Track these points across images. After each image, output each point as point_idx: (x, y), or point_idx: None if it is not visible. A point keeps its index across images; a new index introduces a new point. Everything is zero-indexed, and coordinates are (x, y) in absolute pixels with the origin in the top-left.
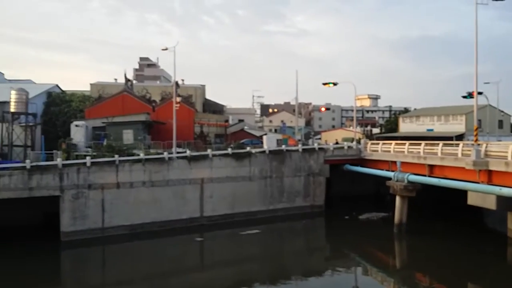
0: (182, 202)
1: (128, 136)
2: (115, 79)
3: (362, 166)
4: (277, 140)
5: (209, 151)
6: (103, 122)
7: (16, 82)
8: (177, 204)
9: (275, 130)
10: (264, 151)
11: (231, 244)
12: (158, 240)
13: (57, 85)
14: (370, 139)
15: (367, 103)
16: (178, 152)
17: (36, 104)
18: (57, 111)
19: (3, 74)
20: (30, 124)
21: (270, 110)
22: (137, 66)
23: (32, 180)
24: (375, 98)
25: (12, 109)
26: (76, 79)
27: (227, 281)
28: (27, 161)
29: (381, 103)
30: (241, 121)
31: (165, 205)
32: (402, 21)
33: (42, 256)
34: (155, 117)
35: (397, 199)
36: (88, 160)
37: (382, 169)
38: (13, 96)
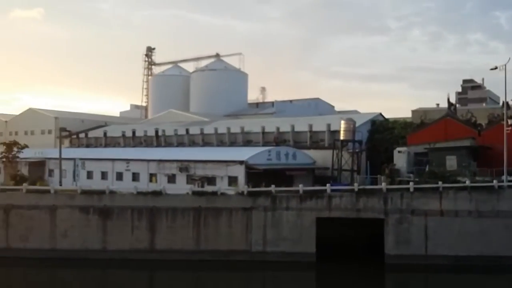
0: None
1: (451, 162)
2: (437, 104)
3: None
4: None
5: None
6: (425, 148)
7: (344, 113)
8: (509, 238)
9: None
10: None
11: None
12: (486, 276)
13: (380, 114)
14: None
15: None
16: (509, 181)
17: (361, 132)
18: (380, 138)
19: (333, 106)
20: (357, 150)
21: None
22: (459, 89)
23: (359, 202)
24: None
25: (342, 137)
26: (398, 107)
27: None
28: (355, 184)
29: None
30: None
31: (494, 239)
32: None
33: (367, 276)
34: (481, 142)
35: None
36: (411, 185)
37: None
38: (342, 125)
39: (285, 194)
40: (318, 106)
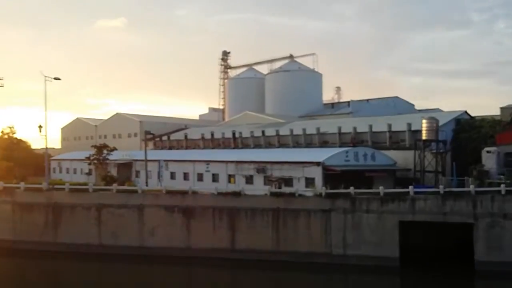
0: None
1: None
2: None
3: None
4: None
5: None
6: None
7: (425, 111)
8: None
9: None
10: None
11: None
12: None
13: (465, 112)
14: None
15: None
16: None
17: (445, 132)
18: (466, 138)
19: (413, 105)
20: (441, 151)
21: None
22: None
23: (446, 205)
24: None
25: (424, 137)
26: (484, 104)
27: None
28: (440, 186)
29: None
30: None
31: None
32: None
33: (456, 283)
34: None
35: None
36: (503, 188)
37: None
38: (424, 124)
39: (365, 196)
40: (396, 105)
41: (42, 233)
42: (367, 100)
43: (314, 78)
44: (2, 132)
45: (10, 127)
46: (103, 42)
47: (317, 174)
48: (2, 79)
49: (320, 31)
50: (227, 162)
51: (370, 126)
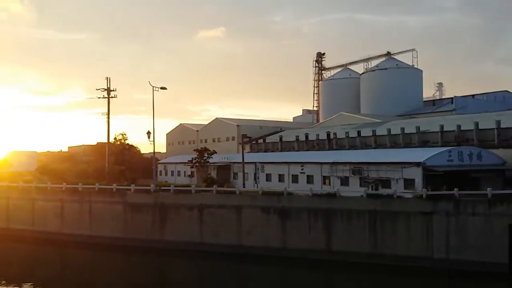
0: None
1: None
2: None
3: None
4: None
5: None
6: None
7: None
8: None
9: None
10: None
11: None
12: None
13: None
14: None
15: None
16: None
17: None
18: None
19: None
20: None
21: None
22: None
23: None
24: None
25: None
26: None
27: None
28: None
29: None
30: None
31: None
32: None
33: None
34: None
35: None
36: None
37: None
38: None
39: (470, 198)
40: (506, 100)
41: (150, 232)
42: (472, 95)
43: (413, 75)
44: (115, 138)
45: (122, 134)
46: (203, 52)
47: (417, 175)
48: (115, 91)
49: (419, 26)
50: (321, 163)
51: (476, 124)
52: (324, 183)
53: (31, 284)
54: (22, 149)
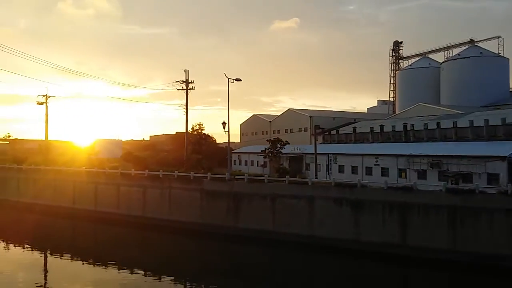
0: None
1: None
2: None
3: None
4: None
5: None
6: None
7: None
8: None
9: None
10: None
11: None
12: None
13: None
14: None
15: None
16: None
17: None
18: None
19: None
20: None
21: None
22: None
23: None
24: None
25: None
26: None
27: None
28: None
29: None
30: None
31: None
32: None
33: None
34: None
35: None
36: None
37: None
38: None
39: None
40: None
41: (224, 218)
42: None
43: (499, 63)
44: (193, 128)
45: (199, 124)
46: (277, 43)
47: (502, 169)
48: (193, 83)
49: (505, 11)
50: (397, 156)
51: None
52: (400, 176)
53: (114, 263)
54: (108, 138)
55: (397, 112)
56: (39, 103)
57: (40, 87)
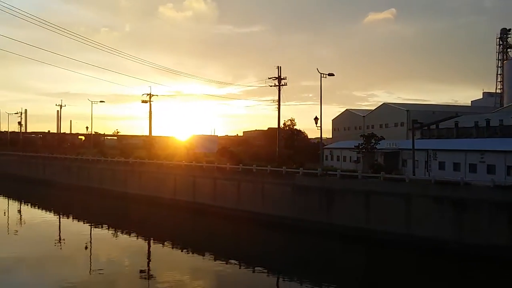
0: None
1: None
2: None
3: None
4: None
5: None
6: None
7: None
8: None
9: None
10: None
11: None
12: None
13: None
14: None
15: None
16: None
17: None
18: None
19: None
20: None
21: None
22: None
23: None
24: None
25: None
26: None
27: None
28: None
29: None
30: None
31: None
32: None
33: None
34: None
35: None
36: None
37: None
38: None
39: None
40: None
41: (316, 214)
42: None
43: None
44: (284, 124)
45: (291, 120)
46: (372, 35)
47: None
48: (285, 79)
49: None
50: (506, 152)
51: None
52: (508, 174)
53: (211, 253)
54: (205, 133)
55: (504, 105)
56: (144, 101)
57: (144, 87)
